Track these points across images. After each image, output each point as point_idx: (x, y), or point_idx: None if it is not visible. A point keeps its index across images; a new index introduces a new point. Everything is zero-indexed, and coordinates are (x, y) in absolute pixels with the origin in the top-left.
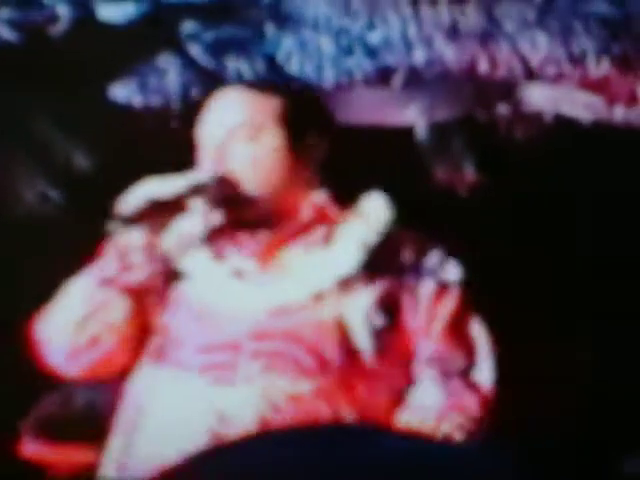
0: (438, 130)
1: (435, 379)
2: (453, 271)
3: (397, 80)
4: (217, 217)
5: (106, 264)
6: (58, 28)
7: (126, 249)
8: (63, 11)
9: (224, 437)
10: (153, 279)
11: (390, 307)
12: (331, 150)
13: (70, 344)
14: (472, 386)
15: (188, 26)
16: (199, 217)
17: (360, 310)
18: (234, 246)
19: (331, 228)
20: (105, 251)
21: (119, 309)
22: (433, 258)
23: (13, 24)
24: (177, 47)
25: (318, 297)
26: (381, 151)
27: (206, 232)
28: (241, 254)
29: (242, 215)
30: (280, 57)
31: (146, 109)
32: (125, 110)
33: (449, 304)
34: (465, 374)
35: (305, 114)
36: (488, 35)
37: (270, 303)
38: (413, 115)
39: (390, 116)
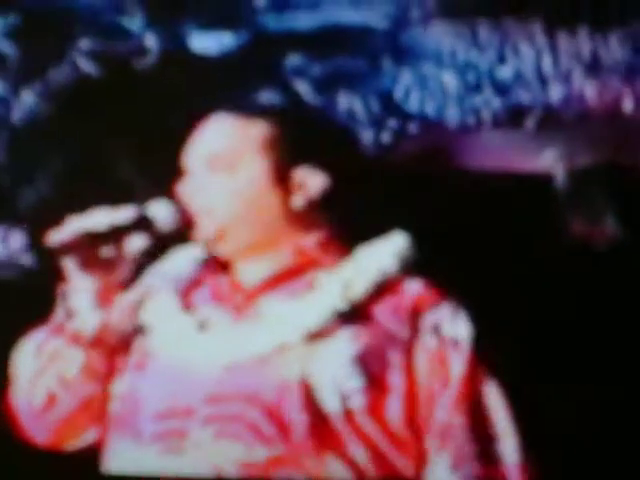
0: (577, 177)
1: (449, 463)
2: (462, 327)
3: (530, 121)
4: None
5: (57, 312)
6: (146, 61)
7: (69, 292)
8: (152, 42)
9: None
10: (107, 329)
11: (371, 365)
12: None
13: (30, 406)
14: (495, 470)
15: (293, 59)
16: (183, 258)
17: (331, 368)
18: (208, 293)
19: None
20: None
21: (71, 360)
22: (440, 311)
23: (94, 56)
24: (280, 82)
25: (282, 352)
26: (510, 198)
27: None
28: (214, 302)
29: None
30: (397, 94)
31: None
32: None
33: (457, 366)
34: (485, 455)
35: (299, 142)
36: (634, 70)
37: (231, 359)
38: (549, 160)
39: (522, 161)
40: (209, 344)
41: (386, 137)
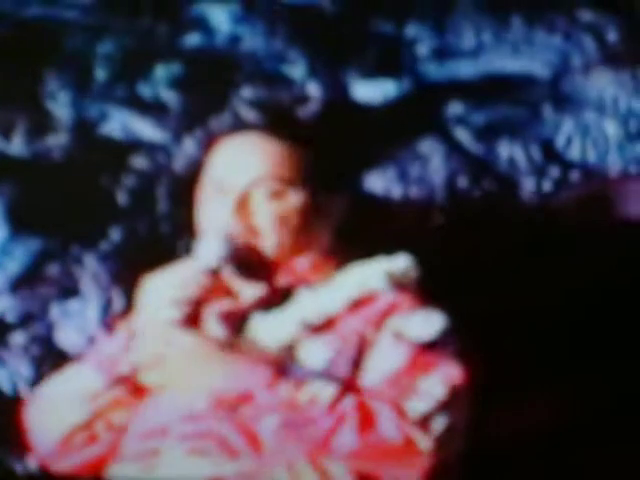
0: None
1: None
2: (426, 330)
3: None
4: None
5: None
6: (308, 109)
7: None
8: (314, 91)
9: None
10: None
11: (345, 370)
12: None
13: (64, 440)
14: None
15: (454, 107)
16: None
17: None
18: (213, 312)
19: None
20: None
21: (127, 412)
22: (409, 316)
23: (256, 104)
24: (442, 131)
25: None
26: None
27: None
28: (219, 321)
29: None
30: (559, 142)
31: (406, 201)
32: (383, 202)
33: (398, 358)
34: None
35: (331, 172)
36: None
37: (214, 378)
38: None
39: None
40: (199, 365)
41: (547, 185)
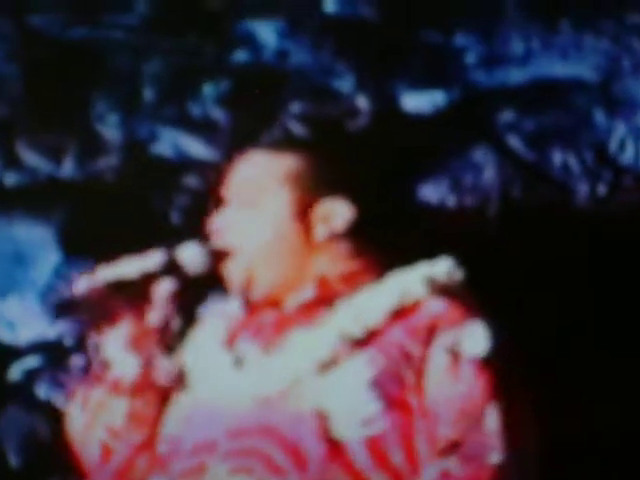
0: None
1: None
2: (477, 345)
3: None
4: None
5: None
6: (357, 122)
7: (100, 343)
8: (363, 104)
9: None
10: (148, 375)
11: (390, 387)
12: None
13: (89, 460)
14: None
15: (505, 115)
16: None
17: (348, 395)
18: (246, 327)
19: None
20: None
21: (115, 410)
22: (459, 331)
23: (306, 118)
24: (494, 139)
25: (297, 383)
26: None
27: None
28: (249, 335)
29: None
30: (612, 146)
31: (460, 210)
32: (437, 212)
33: (463, 383)
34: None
35: (325, 175)
36: None
37: (254, 393)
38: None
39: None
40: (238, 381)
41: (602, 190)
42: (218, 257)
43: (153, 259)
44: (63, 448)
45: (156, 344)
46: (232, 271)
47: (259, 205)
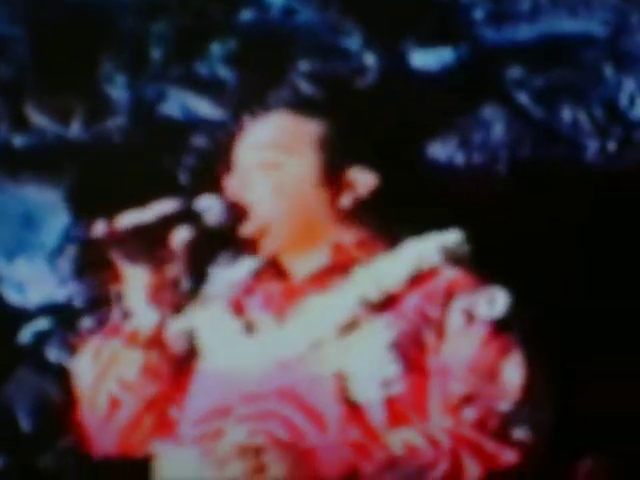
0: None
1: None
2: (494, 308)
3: None
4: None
5: (111, 314)
6: (365, 80)
7: (123, 292)
8: (371, 61)
9: None
10: (163, 329)
11: (410, 349)
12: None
13: (94, 413)
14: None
15: (514, 71)
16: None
17: (368, 357)
18: (252, 295)
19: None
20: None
21: (130, 362)
22: (475, 295)
23: (314, 77)
24: (502, 96)
25: (316, 347)
26: None
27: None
28: (259, 305)
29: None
30: (622, 101)
31: (469, 168)
32: (447, 171)
33: (474, 341)
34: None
35: (351, 142)
36: None
37: (269, 359)
38: None
39: None
40: (252, 347)
41: (612, 146)
42: (235, 211)
43: (171, 205)
44: (73, 411)
45: (171, 300)
46: (247, 226)
47: (284, 166)
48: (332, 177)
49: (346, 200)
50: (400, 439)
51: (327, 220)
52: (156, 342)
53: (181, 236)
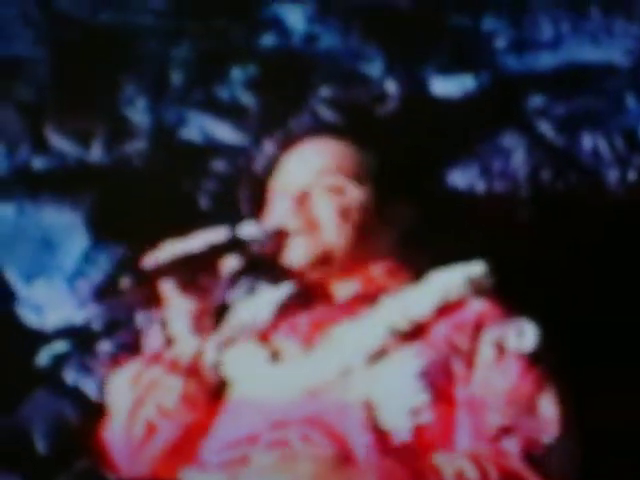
0: None
1: None
2: (524, 341)
3: None
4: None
5: (151, 340)
6: (386, 107)
7: (167, 319)
8: (392, 88)
9: None
10: (201, 357)
11: (438, 379)
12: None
13: (128, 438)
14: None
15: (535, 99)
16: (273, 293)
17: (397, 386)
18: (280, 325)
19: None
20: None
21: (170, 389)
22: (504, 326)
23: (334, 103)
24: (523, 124)
25: (345, 375)
26: None
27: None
28: (285, 333)
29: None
30: None
31: (490, 196)
32: (468, 199)
33: (509, 373)
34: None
35: (398, 176)
36: None
37: (298, 387)
38: None
39: None
40: (280, 375)
41: (632, 175)
42: (277, 237)
43: (219, 234)
44: (90, 433)
45: (211, 328)
46: (299, 249)
47: (348, 192)
48: (381, 208)
49: (394, 232)
50: (451, 465)
51: (375, 250)
52: (195, 370)
53: (230, 265)
